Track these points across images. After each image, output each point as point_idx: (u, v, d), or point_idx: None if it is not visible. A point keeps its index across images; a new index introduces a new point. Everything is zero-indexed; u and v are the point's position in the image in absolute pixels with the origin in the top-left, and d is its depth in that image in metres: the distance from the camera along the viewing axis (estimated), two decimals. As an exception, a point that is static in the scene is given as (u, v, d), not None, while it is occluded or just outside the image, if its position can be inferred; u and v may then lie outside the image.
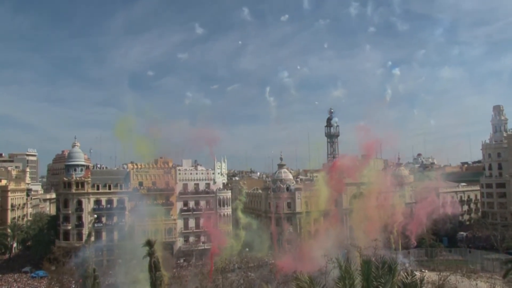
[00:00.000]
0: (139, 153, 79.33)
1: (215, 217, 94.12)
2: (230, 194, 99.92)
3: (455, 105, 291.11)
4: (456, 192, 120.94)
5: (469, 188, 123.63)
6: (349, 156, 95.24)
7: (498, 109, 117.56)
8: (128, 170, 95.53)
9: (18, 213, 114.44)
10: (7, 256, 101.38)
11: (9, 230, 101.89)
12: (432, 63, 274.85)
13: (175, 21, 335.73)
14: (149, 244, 43.41)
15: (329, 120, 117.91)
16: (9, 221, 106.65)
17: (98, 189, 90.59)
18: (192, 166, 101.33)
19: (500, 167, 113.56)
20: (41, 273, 78.55)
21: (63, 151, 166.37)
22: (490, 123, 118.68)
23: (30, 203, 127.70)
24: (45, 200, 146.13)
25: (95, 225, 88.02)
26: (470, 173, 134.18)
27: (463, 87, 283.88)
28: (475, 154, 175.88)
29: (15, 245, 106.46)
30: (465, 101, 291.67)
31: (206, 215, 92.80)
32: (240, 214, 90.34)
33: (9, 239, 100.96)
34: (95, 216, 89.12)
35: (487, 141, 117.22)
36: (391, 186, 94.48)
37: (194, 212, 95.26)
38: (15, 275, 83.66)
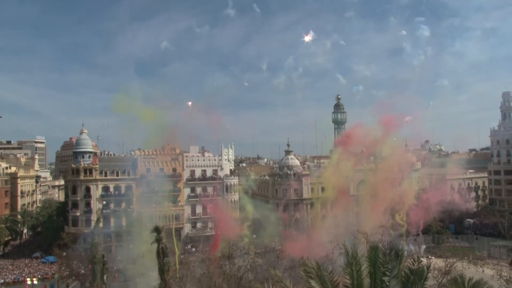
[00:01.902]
0: (145, 122, 75.53)
1: (222, 203, 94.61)
2: (237, 180, 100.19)
3: (470, 91, 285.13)
4: (463, 179, 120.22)
5: (477, 175, 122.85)
6: (364, 126, 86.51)
7: (507, 96, 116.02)
8: (135, 156, 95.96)
9: (27, 199, 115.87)
10: (18, 242, 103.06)
11: (19, 217, 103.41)
12: (460, 37, 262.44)
13: (183, 6, 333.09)
14: (157, 230, 43.81)
15: (336, 106, 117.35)
16: (19, 207, 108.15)
17: (106, 175, 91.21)
18: (199, 152, 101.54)
19: (508, 154, 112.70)
20: (51, 258, 79.81)
21: (71, 138, 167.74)
22: (499, 110, 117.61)
23: (39, 189, 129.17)
24: (54, 186, 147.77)
25: (103, 211, 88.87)
26: (478, 160, 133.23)
27: (483, 70, 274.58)
28: (484, 141, 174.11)
29: (25, 231, 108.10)
30: (480, 87, 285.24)
31: (213, 201, 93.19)
32: (242, 195, 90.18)
33: (19, 225, 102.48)
34: (104, 202, 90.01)
35: (496, 128, 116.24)
36: (399, 172, 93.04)
37: (201, 199, 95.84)
38: (26, 260, 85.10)
